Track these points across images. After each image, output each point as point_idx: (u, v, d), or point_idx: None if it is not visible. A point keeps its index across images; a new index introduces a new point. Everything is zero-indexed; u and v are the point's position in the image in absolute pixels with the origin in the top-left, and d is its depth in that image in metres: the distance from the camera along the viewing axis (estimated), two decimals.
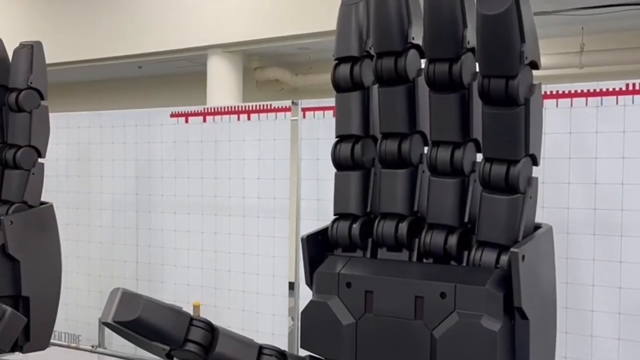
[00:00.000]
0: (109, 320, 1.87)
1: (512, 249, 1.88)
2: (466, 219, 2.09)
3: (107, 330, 4.88)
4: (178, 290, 4.77)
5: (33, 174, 3.80)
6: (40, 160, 3.84)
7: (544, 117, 3.32)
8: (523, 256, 1.88)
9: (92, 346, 4.88)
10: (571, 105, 3.37)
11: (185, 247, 4.77)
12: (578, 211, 3.35)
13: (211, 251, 4.66)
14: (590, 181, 3.34)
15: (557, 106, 3.39)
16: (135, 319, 1.86)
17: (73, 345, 5.03)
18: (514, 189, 1.95)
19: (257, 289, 4.46)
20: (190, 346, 1.95)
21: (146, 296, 1.91)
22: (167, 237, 4.84)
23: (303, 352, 2.20)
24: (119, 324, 1.86)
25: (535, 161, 2.02)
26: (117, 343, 4.92)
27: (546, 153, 3.34)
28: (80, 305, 5.22)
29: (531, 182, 2.00)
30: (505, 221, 1.96)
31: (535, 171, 2.04)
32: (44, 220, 3.88)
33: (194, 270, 4.73)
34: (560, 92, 3.39)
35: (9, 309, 3.30)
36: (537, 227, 2.07)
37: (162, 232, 4.87)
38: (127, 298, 1.89)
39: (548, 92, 3.41)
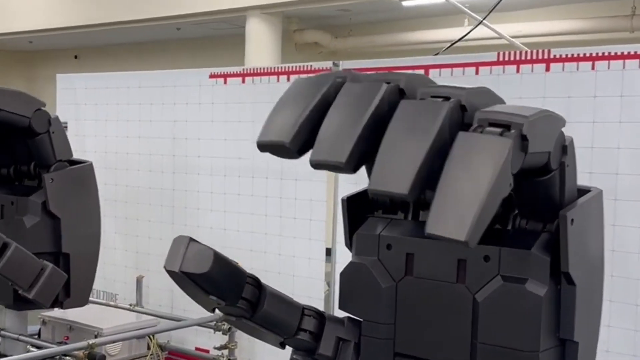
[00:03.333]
0: (177, 269, 1.81)
1: (561, 212, 1.82)
2: None
3: (144, 289, 4.93)
4: None
5: (53, 132, 3.78)
6: (51, 115, 3.80)
7: (595, 79, 3.22)
8: (572, 220, 1.81)
9: (130, 305, 4.94)
10: (623, 67, 3.23)
11: (221, 209, 4.76)
12: (627, 177, 3.24)
13: (248, 214, 4.65)
14: None
15: (608, 68, 3.27)
16: (205, 273, 1.82)
17: (112, 303, 5.09)
18: (549, 170, 1.85)
19: (293, 252, 4.44)
20: (241, 303, 1.93)
21: (214, 249, 1.87)
22: (203, 199, 4.85)
23: (340, 314, 2.17)
24: (186, 275, 1.82)
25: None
26: (154, 302, 4.97)
27: (596, 117, 3.23)
28: (117, 264, 5.28)
29: (566, 149, 1.88)
30: (545, 200, 1.89)
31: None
32: (83, 178, 3.90)
33: (230, 232, 4.73)
34: (612, 53, 3.26)
35: (50, 265, 3.34)
36: (586, 190, 2.00)
37: (198, 193, 4.87)
38: (196, 249, 1.84)
39: (600, 54, 3.29)
